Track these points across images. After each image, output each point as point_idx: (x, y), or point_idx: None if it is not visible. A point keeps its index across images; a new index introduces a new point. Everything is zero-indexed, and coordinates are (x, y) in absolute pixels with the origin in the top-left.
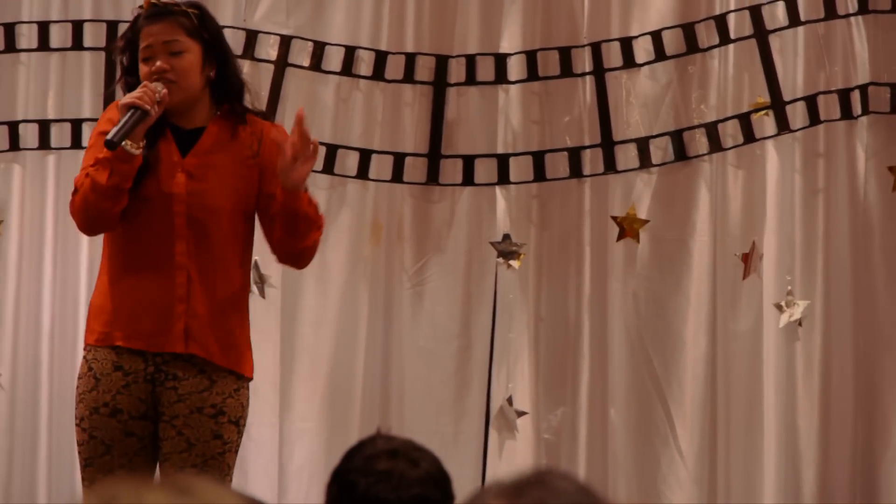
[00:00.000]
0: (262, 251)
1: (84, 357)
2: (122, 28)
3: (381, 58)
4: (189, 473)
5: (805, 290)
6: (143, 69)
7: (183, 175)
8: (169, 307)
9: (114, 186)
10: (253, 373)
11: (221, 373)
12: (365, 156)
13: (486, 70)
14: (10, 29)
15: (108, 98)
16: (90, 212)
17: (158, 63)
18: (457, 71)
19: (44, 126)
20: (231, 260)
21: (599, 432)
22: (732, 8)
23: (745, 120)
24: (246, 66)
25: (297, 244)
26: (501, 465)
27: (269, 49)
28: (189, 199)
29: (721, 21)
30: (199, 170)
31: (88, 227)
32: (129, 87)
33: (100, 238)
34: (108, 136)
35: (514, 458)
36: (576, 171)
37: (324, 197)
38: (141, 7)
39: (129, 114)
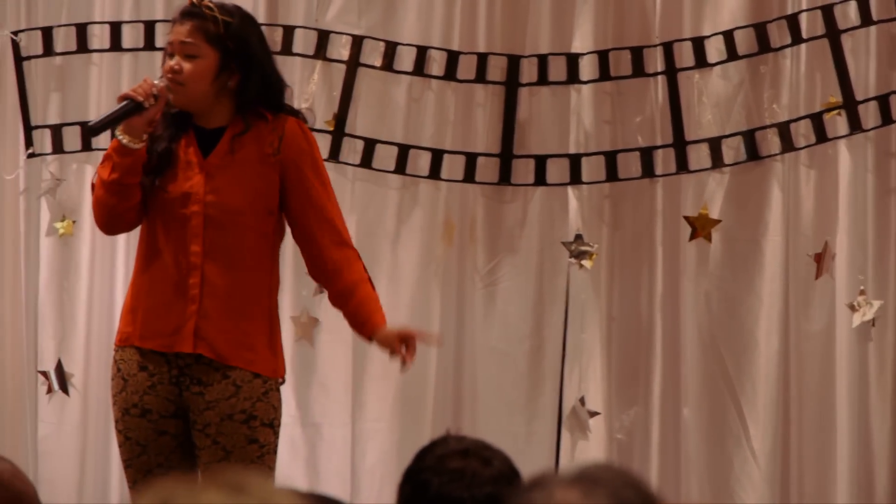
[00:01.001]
0: None
1: (113, 358)
2: None
3: (452, 58)
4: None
5: (878, 289)
6: (165, 63)
7: (202, 175)
8: (181, 307)
9: (116, 181)
10: (280, 374)
11: (246, 376)
12: (437, 156)
13: (558, 70)
14: (82, 29)
15: None
16: (101, 208)
17: (170, 62)
18: (529, 71)
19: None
20: (254, 259)
21: (672, 432)
22: (804, 7)
23: (817, 120)
24: (318, 67)
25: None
26: (574, 466)
27: (340, 49)
28: (206, 198)
29: (793, 21)
30: (218, 169)
31: (104, 225)
32: None
33: None
34: (90, 123)
35: (587, 458)
36: (648, 170)
37: (395, 197)
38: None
39: (121, 104)
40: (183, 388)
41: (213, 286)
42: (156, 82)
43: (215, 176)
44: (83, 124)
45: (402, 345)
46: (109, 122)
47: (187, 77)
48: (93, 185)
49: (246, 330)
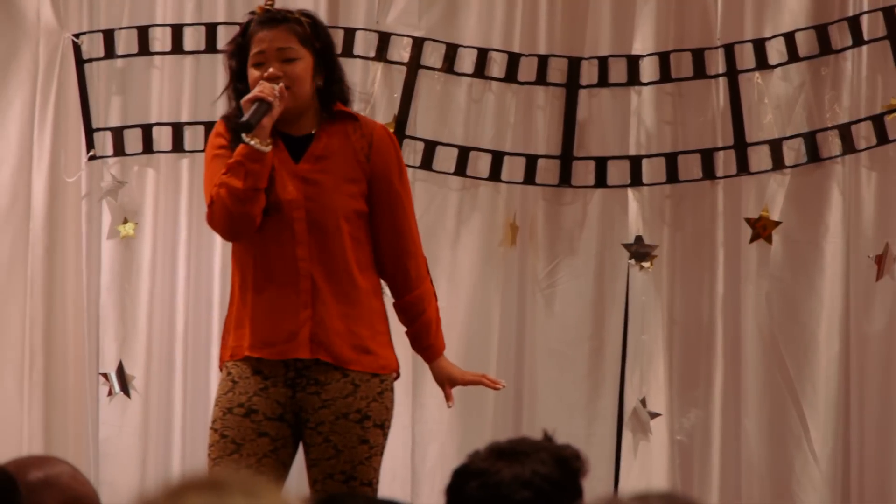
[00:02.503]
0: None
1: (225, 366)
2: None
3: (513, 60)
4: (337, 480)
5: None
6: (253, 74)
7: (298, 181)
8: (294, 314)
9: (250, 188)
10: (395, 370)
11: (364, 375)
12: (497, 158)
13: (618, 71)
14: (143, 32)
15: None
16: (232, 218)
17: (271, 69)
18: (589, 72)
19: (177, 129)
20: (356, 260)
21: (733, 434)
22: (865, 9)
23: (878, 121)
24: (379, 69)
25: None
26: (635, 467)
27: (401, 51)
28: (307, 204)
29: (854, 22)
30: (312, 174)
31: (232, 234)
32: (238, 94)
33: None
34: (243, 119)
35: (648, 459)
36: (709, 172)
37: (455, 199)
38: (253, 13)
39: (254, 105)
40: (298, 389)
41: (322, 290)
42: (275, 86)
43: (310, 181)
44: (144, 127)
45: (451, 389)
46: (258, 118)
47: (294, 80)
48: (212, 199)
49: (357, 331)
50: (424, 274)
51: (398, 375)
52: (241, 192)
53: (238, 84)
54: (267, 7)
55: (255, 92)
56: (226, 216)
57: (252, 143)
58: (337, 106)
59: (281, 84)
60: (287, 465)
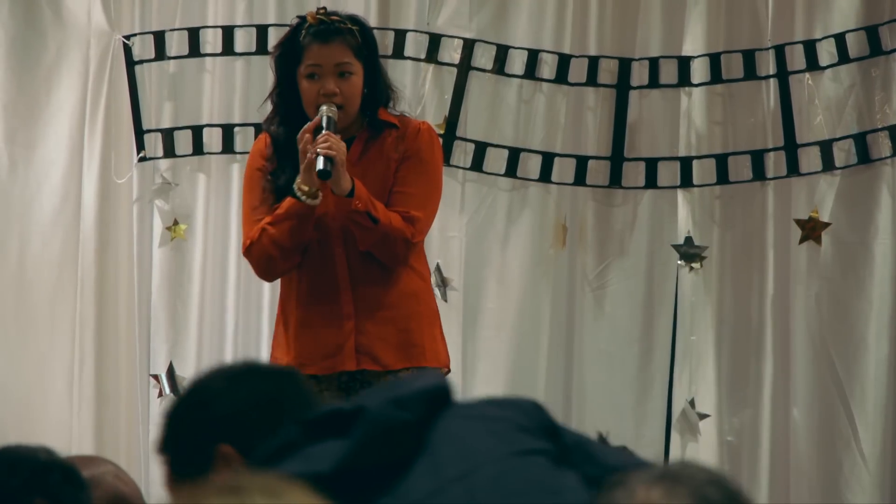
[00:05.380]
0: (444, 254)
1: None
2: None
3: (563, 61)
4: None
5: None
6: (306, 86)
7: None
8: (339, 326)
9: (297, 244)
10: (444, 362)
11: (413, 373)
12: (547, 159)
13: (668, 72)
14: (194, 34)
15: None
16: (273, 268)
17: (328, 86)
18: (639, 73)
19: (228, 131)
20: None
21: (782, 434)
22: None
23: None
24: (430, 70)
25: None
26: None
27: (452, 52)
28: (342, 212)
29: None
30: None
31: (268, 277)
32: (283, 100)
33: None
34: (320, 168)
35: (697, 460)
36: (759, 173)
37: (505, 199)
38: (302, 18)
39: (323, 161)
40: (351, 392)
41: (365, 299)
42: (324, 109)
43: None
44: (195, 129)
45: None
46: (332, 166)
47: (349, 97)
48: (251, 242)
49: (405, 328)
50: (402, 226)
51: (448, 371)
52: (288, 245)
53: (283, 89)
54: (320, 17)
55: (320, 148)
56: (267, 263)
57: (306, 200)
58: (381, 113)
59: (330, 112)
60: None
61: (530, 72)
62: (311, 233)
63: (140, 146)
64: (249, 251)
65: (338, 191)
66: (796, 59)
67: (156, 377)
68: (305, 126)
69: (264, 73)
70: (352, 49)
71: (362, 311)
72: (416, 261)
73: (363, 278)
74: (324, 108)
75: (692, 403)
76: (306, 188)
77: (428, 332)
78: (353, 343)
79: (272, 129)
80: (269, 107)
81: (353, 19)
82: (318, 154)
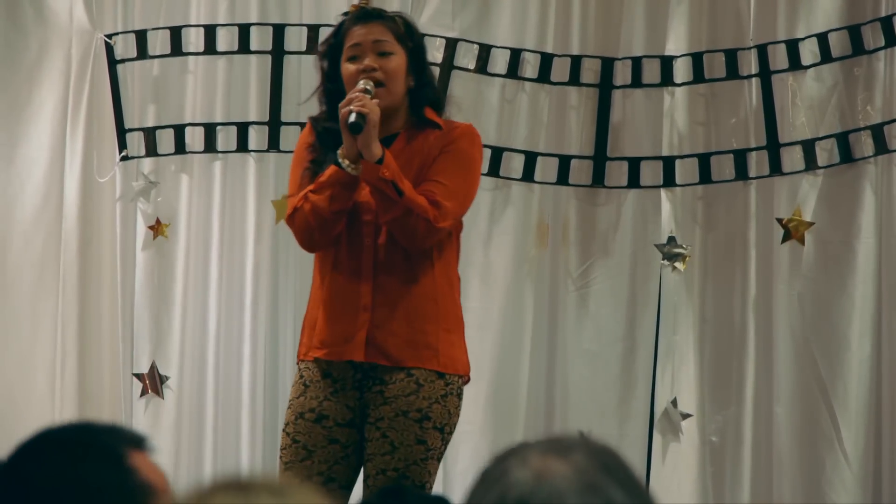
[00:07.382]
0: None
1: (298, 367)
2: (291, 32)
3: (546, 60)
4: (390, 477)
5: None
6: (348, 68)
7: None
8: (353, 316)
9: (336, 211)
10: (462, 370)
11: (429, 375)
12: (530, 158)
13: (651, 72)
14: (176, 33)
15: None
16: (312, 235)
17: (367, 61)
18: (622, 73)
19: (210, 130)
20: (427, 262)
21: (764, 434)
22: None
23: None
24: None
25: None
26: (665, 468)
27: (434, 51)
28: (371, 178)
29: (887, 23)
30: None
31: (309, 247)
32: (328, 94)
33: (265, 243)
34: (352, 120)
35: (679, 460)
36: (741, 173)
37: (488, 198)
38: (345, 14)
39: (353, 119)
40: (365, 389)
41: (386, 293)
42: (362, 85)
43: None
44: (177, 128)
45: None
46: (364, 121)
47: (390, 74)
48: (294, 209)
49: (424, 329)
50: (427, 207)
51: (467, 380)
52: (327, 213)
53: (329, 85)
54: (362, 5)
55: (353, 105)
56: (306, 231)
57: (347, 167)
58: (427, 112)
59: (369, 86)
60: (357, 469)
61: (513, 71)
62: (350, 202)
63: (122, 145)
64: (292, 218)
65: (367, 154)
66: (779, 58)
67: (138, 376)
68: (345, 99)
69: (246, 72)
70: (393, 32)
71: (380, 304)
72: (442, 264)
73: (386, 273)
74: (361, 82)
75: (675, 403)
76: (349, 159)
77: (445, 338)
78: (364, 334)
79: (318, 127)
80: (259, 105)
81: (399, 13)
82: (350, 111)
